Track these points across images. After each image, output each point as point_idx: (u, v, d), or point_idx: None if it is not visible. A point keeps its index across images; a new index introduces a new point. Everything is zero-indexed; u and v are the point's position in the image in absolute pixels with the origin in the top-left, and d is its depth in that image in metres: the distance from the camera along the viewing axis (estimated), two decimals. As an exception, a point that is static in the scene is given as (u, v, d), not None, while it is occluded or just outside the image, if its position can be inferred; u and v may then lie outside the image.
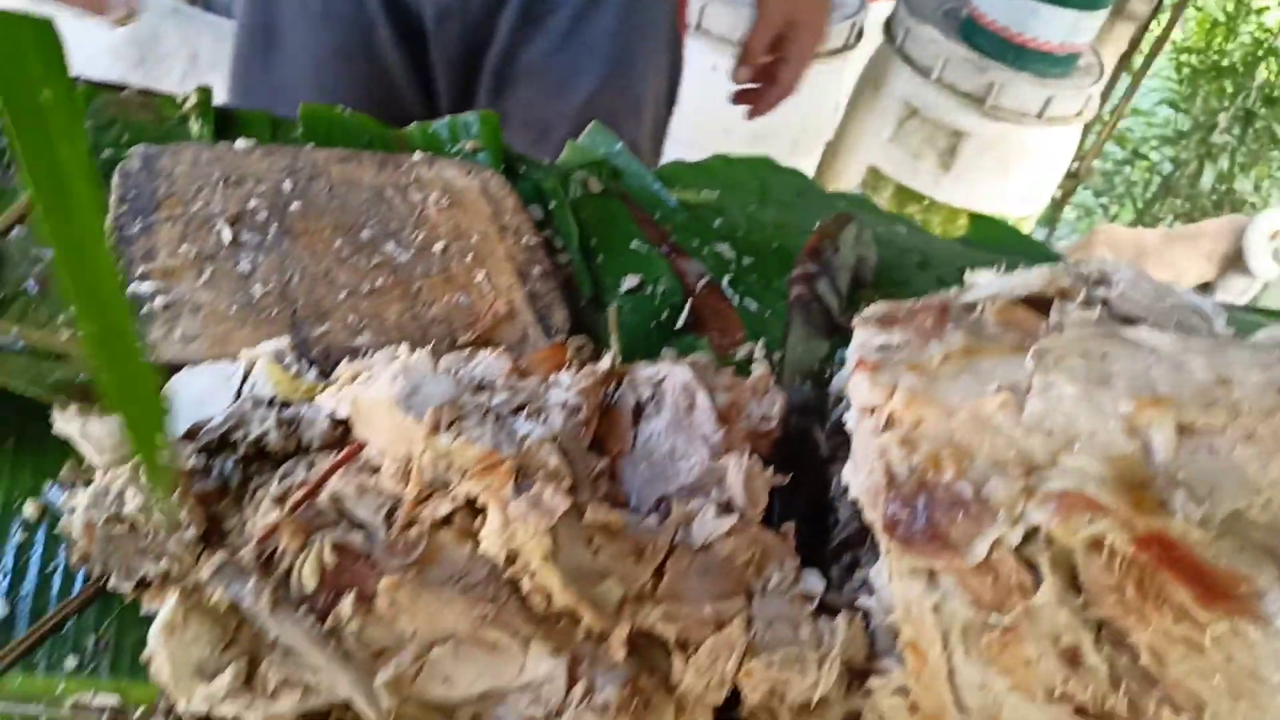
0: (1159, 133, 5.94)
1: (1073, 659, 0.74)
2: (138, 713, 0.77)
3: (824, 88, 3.64)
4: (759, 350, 1.33)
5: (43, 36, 0.66)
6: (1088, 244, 4.04)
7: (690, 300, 1.38)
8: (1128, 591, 0.73)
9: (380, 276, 1.20)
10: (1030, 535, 0.77)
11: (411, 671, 0.72)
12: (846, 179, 4.03)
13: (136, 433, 0.61)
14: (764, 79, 2.12)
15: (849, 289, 1.46)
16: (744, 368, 1.31)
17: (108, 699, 0.78)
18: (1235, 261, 4.03)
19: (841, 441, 1.01)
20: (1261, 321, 1.75)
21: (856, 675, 0.83)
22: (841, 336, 1.30)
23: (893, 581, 0.80)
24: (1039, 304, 0.98)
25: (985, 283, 1.02)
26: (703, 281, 1.45)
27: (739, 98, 2.17)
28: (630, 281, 1.38)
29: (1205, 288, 4.15)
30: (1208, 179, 5.68)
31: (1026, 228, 4.08)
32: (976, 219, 1.97)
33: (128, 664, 0.81)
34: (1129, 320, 0.96)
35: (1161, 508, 0.75)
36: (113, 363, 0.60)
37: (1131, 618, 0.73)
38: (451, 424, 0.83)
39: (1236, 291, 4.15)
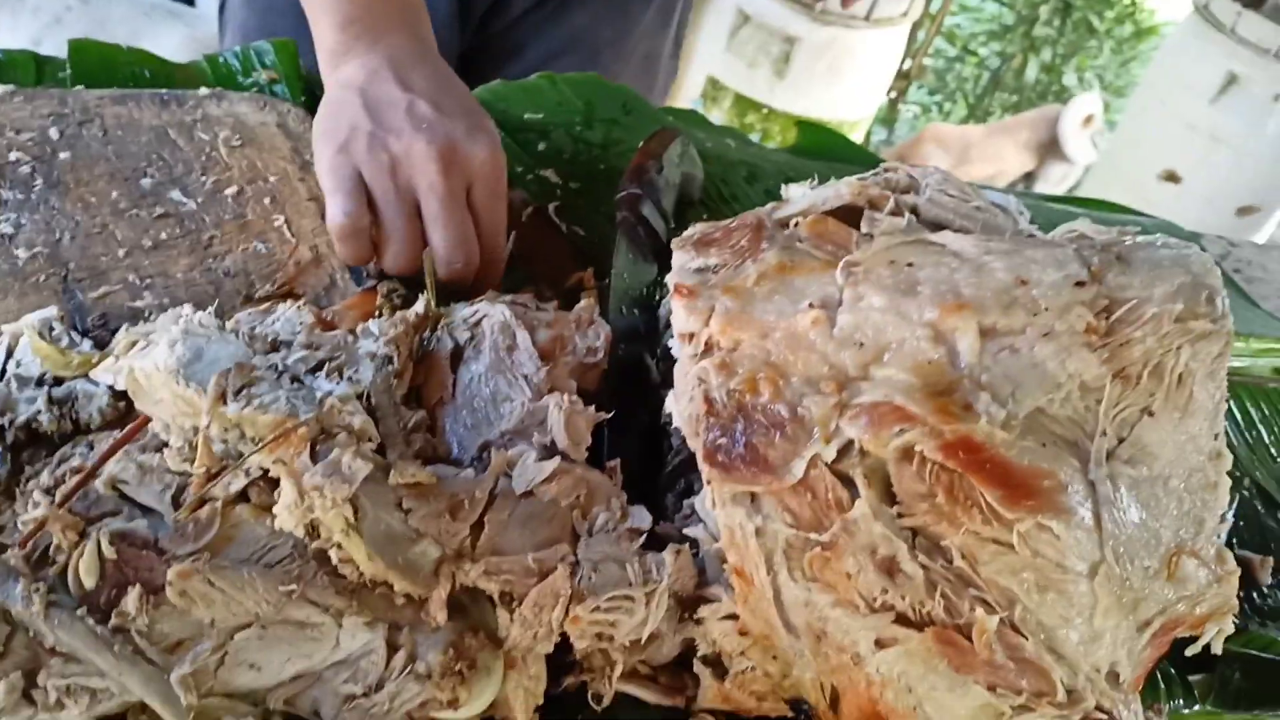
0: (986, 28, 6.09)
1: (890, 569, 0.74)
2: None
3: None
4: (588, 279, 1.29)
5: None
6: (917, 142, 4.12)
7: (513, 233, 1.33)
8: (938, 498, 0.74)
9: (165, 228, 1.10)
10: (845, 450, 0.77)
11: (213, 663, 0.67)
12: (687, 90, 4.00)
13: None
14: None
15: (675, 208, 1.43)
16: (573, 298, 1.27)
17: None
18: (1053, 149, 4.19)
19: (673, 366, 0.99)
20: (1073, 211, 1.82)
21: (688, 605, 0.82)
22: (669, 258, 1.27)
23: (716, 509, 0.79)
24: (850, 215, 0.97)
25: (798, 196, 1.00)
26: (527, 212, 1.40)
27: None
28: (449, 219, 1.32)
29: (1029, 178, 4.31)
30: (1032, 71, 5.88)
31: (862, 130, 4.15)
32: (804, 126, 1.97)
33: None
34: (937, 225, 0.97)
35: (967, 411, 0.76)
36: None
37: (943, 523, 0.74)
38: (241, 390, 0.77)
39: (1056, 179, 4.32)
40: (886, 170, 1.01)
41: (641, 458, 0.98)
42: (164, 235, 1.09)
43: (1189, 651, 0.85)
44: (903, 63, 4.25)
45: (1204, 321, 0.79)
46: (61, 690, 0.65)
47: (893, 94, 4.71)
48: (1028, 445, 0.76)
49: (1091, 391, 0.79)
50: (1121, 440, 0.79)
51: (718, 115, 3.66)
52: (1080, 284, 0.81)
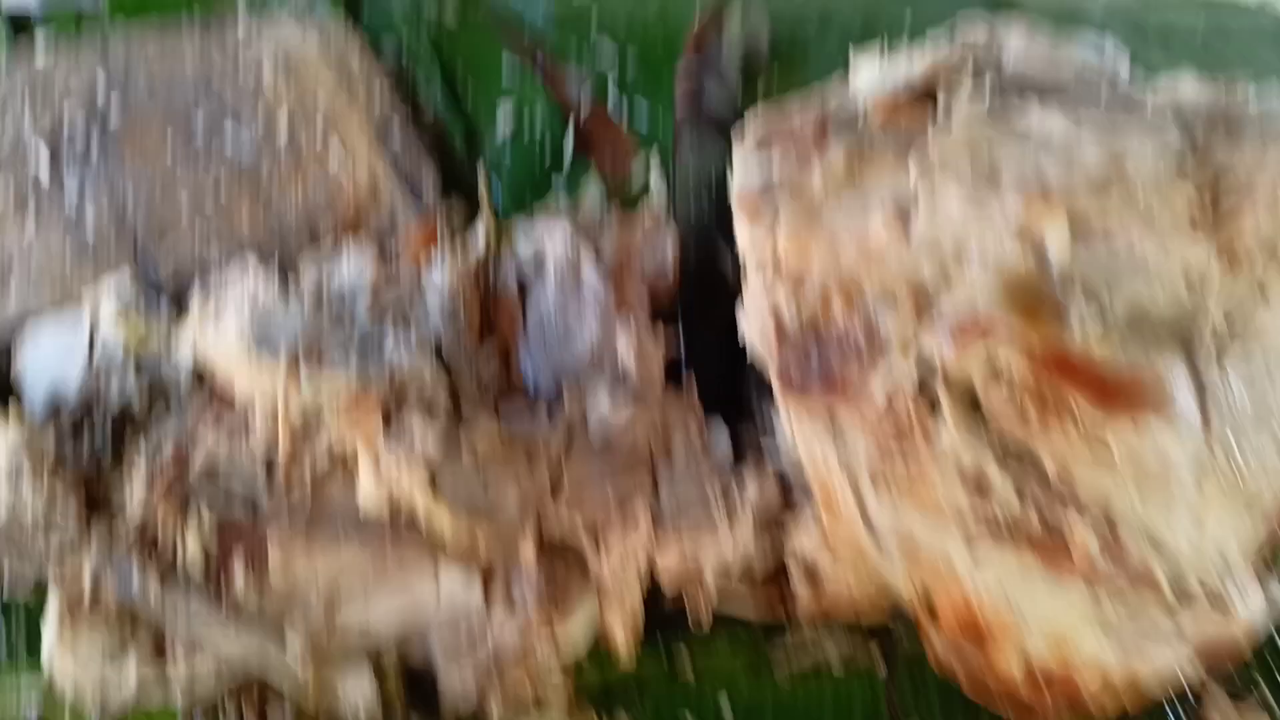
0: None
1: (979, 484, 0.72)
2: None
3: None
4: (654, 165, 1.24)
5: None
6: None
7: (573, 125, 1.28)
8: (1028, 411, 0.71)
9: (223, 168, 1.09)
10: (928, 369, 0.74)
11: (323, 622, 0.70)
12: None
13: None
14: None
15: (743, 74, 1.35)
16: (639, 195, 1.23)
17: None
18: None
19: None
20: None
21: (775, 526, 0.82)
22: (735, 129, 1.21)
23: (794, 434, 0.78)
24: (925, 95, 0.90)
25: (866, 76, 0.93)
26: (583, 91, 1.33)
27: None
28: (505, 126, 1.27)
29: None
30: None
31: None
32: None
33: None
34: (1022, 86, 0.89)
35: (1057, 318, 0.71)
36: None
37: (1036, 437, 0.71)
38: (312, 356, 0.78)
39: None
40: (963, 34, 0.93)
41: (721, 354, 0.96)
42: (223, 174, 1.08)
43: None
44: None
45: (1323, 193, 0.72)
46: (190, 663, 0.69)
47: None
48: (1127, 344, 0.71)
49: (1197, 277, 0.73)
50: (1232, 324, 0.73)
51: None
52: (1183, 165, 0.73)
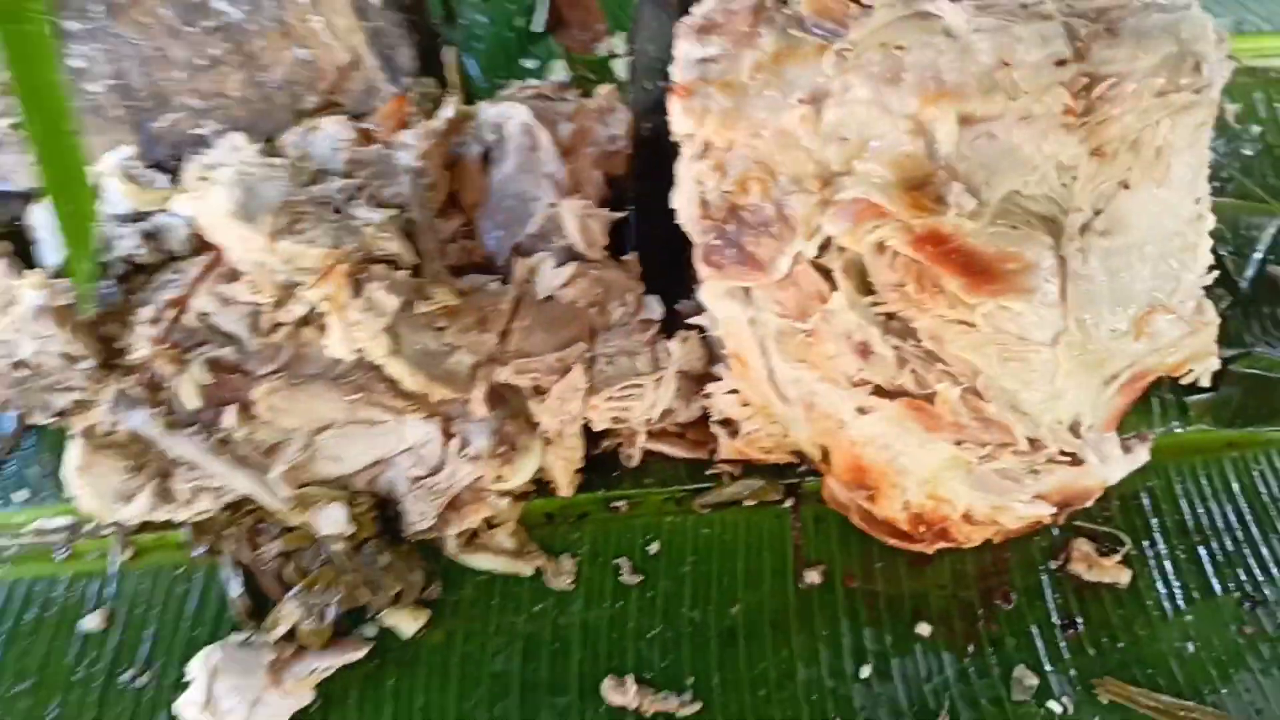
0: None
1: (865, 350, 0.84)
2: (89, 526, 0.91)
3: None
4: (622, 46, 1.31)
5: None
6: None
7: (547, 5, 1.34)
8: (908, 286, 0.81)
9: (216, 43, 1.17)
10: (826, 245, 0.84)
11: (303, 459, 0.84)
12: None
13: (71, 226, 0.73)
14: None
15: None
16: (605, 66, 1.31)
17: (63, 520, 0.92)
18: None
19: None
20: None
21: (700, 380, 0.94)
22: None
23: (713, 302, 0.89)
24: (855, -20, 0.96)
25: (803, -35, 0.99)
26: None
27: None
28: (480, 5, 1.34)
29: None
30: None
31: None
32: None
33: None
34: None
35: (939, 203, 0.81)
36: (53, 160, 0.72)
37: (913, 309, 0.82)
38: (290, 225, 0.88)
39: None
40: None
41: (670, 231, 1.06)
42: (216, 51, 1.16)
43: (1183, 381, 0.93)
44: None
45: (1186, 94, 0.80)
46: (191, 490, 0.83)
47: None
48: (999, 229, 0.81)
49: (1068, 170, 0.82)
50: (1098, 213, 0.83)
51: None
52: (1062, 63, 0.81)
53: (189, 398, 0.82)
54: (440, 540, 0.92)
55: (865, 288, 0.84)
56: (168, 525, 0.92)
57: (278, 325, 0.86)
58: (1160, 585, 1.00)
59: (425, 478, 0.87)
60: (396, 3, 1.24)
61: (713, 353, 0.95)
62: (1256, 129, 1.31)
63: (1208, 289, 0.89)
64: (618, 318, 0.90)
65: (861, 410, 0.86)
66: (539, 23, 1.31)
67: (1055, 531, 1.03)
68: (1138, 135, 0.81)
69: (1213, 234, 0.88)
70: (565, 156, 1.01)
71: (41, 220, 1.01)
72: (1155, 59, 0.80)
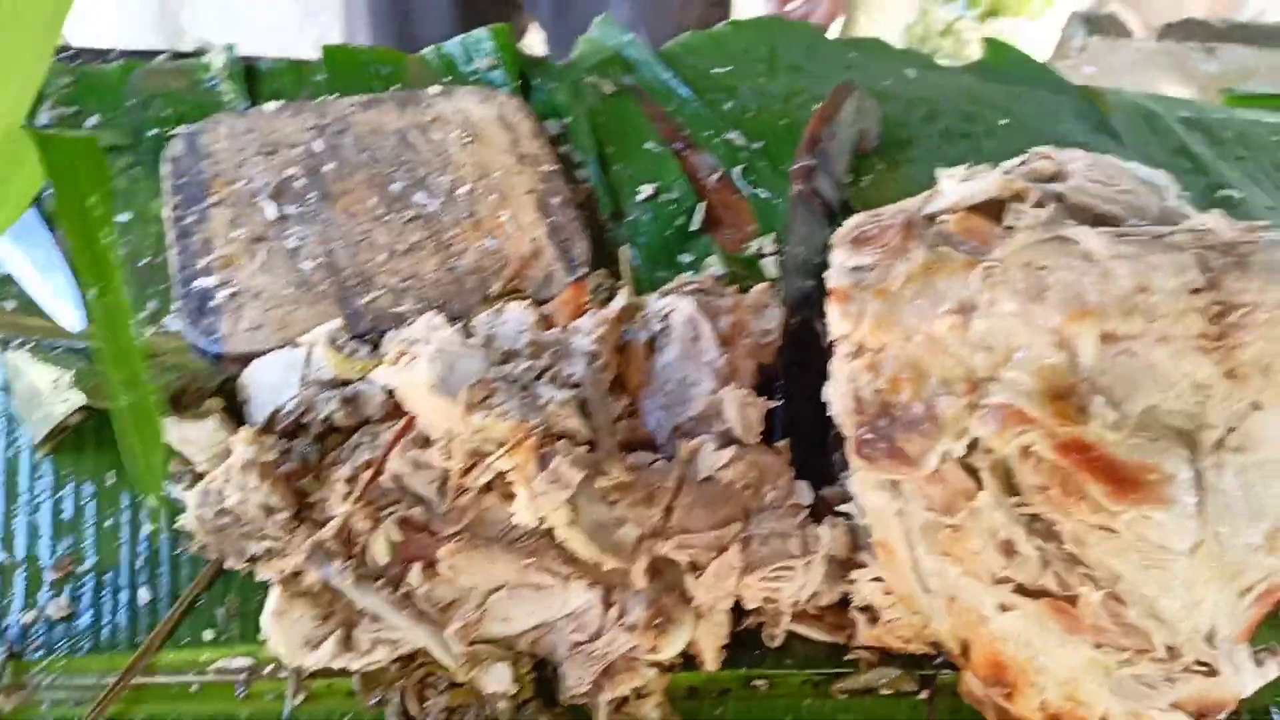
0: None
1: (1009, 549, 0.89)
2: (269, 669, 1.00)
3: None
4: (769, 245, 1.44)
5: (87, 153, 0.83)
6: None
7: (703, 201, 1.49)
8: (1052, 490, 0.87)
9: (414, 231, 1.33)
10: (974, 446, 0.91)
11: (475, 618, 0.91)
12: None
13: (141, 459, 0.83)
14: None
15: (852, 163, 1.54)
16: (754, 264, 1.43)
17: (244, 661, 1.00)
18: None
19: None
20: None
21: (845, 566, 1.00)
22: (842, 218, 1.39)
23: (862, 493, 0.95)
24: (997, 207, 1.06)
25: (949, 189, 1.10)
26: (715, 177, 1.54)
27: None
28: (646, 191, 1.49)
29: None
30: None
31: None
32: (990, 44, 1.97)
33: (254, 628, 1.00)
34: (1082, 211, 1.04)
35: (1082, 413, 0.87)
36: (129, 396, 0.83)
37: (1057, 512, 0.87)
38: (484, 399, 0.99)
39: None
40: (1034, 159, 1.09)
41: (815, 419, 1.14)
42: (414, 238, 1.32)
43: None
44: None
45: (1315, 324, 0.86)
46: (372, 640, 0.91)
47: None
48: (1138, 441, 0.87)
49: (1204, 388, 0.88)
50: (1231, 430, 0.88)
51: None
52: (1196, 291, 0.89)
53: (381, 553, 0.91)
54: (592, 706, 0.98)
55: (1011, 489, 0.90)
56: (340, 673, 0.99)
57: (464, 490, 0.95)
58: (1299, 807, 0.99)
59: (585, 643, 0.94)
60: (573, 201, 1.39)
61: (857, 540, 1.00)
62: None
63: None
64: (770, 500, 0.97)
65: (1003, 607, 0.90)
66: (696, 222, 1.44)
67: (1192, 744, 1.03)
68: (1269, 360, 0.87)
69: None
70: (723, 346, 1.11)
71: (252, 382, 1.14)
72: (1286, 292, 0.87)
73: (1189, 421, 0.88)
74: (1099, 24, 3.72)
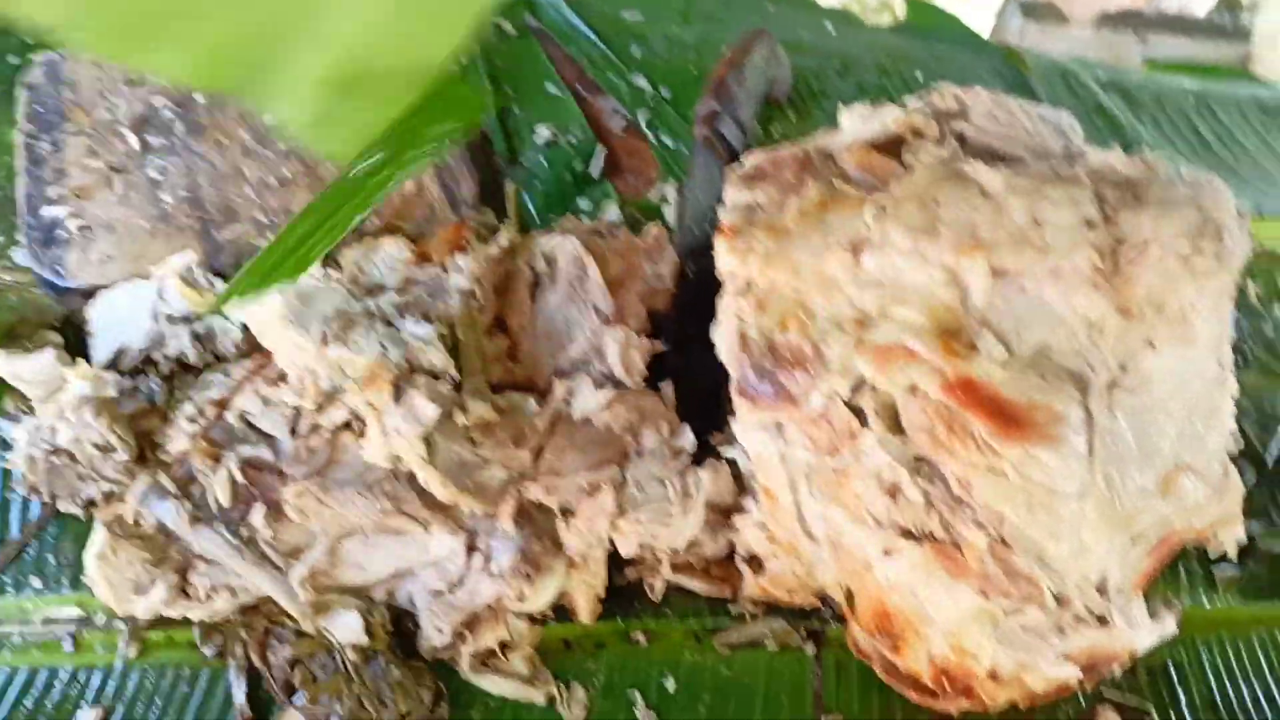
0: None
1: (893, 492, 0.84)
2: (100, 620, 0.91)
3: None
4: (671, 193, 1.38)
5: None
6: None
7: (604, 146, 1.42)
8: (939, 430, 0.83)
9: (288, 165, 1.24)
10: (860, 385, 0.86)
11: (325, 564, 0.84)
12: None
13: None
14: None
15: (761, 111, 1.48)
16: (656, 211, 1.36)
17: (73, 611, 0.92)
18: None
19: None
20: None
21: (727, 513, 0.95)
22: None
23: (746, 436, 0.90)
24: (898, 144, 1.02)
25: (849, 125, 1.05)
26: (619, 123, 1.47)
27: None
28: (544, 134, 1.42)
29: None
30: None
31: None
32: (913, 4, 1.94)
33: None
34: (982, 151, 1.01)
35: (971, 350, 0.83)
36: None
37: (943, 452, 0.83)
38: (342, 332, 0.91)
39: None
40: (934, 96, 1.05)
41: (710, 367, 1.09)
42: (287, 172, 1.23)
43: (1210, 553, 0.93)
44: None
45: (1208, 259, 0.83)
46: (209, 587, 0.83)
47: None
48: (1028, 379, 0.83)
49: (1096, 326, 0.84)
50: (1124, 370, 0.84)
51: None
52: (1091, 225, 0.85)
53: (221, 493, 0.84)
54: (454, 660, 0.91)
55: (897, 430, 0.85)
56: (179, 624, 0.91)
57: (317, 428, 0.88)
58: (1190, 763, 0.97)
59: (445, 592, 0.87)
60: (462, 141, 1.31)
61: (742, 488, 0.95)
62: (1279, 309, 1.34)
63: (1236, 463, 0.90)
64: (651, 445, 0.91)
65: (888, 552, 0.86)
66: (596, 168, 1.37)
67: (1082, 701, 1.00)
68: (1163, 297, 0.84)
69: (1238, 409, 0.90)
70: (612, 289, 1.05)
71: (97, 316, 1.05)
72: (1179, 227, 0.84)
73: (1080, 361, 0.84)
74: (1036, 10, 3.73)
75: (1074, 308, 0.84)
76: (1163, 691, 1.01)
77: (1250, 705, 1.00)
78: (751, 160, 1.06)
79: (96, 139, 1.23)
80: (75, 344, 1.04)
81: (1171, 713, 1.00)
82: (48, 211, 1.14)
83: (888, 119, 1.03)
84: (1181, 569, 1.09)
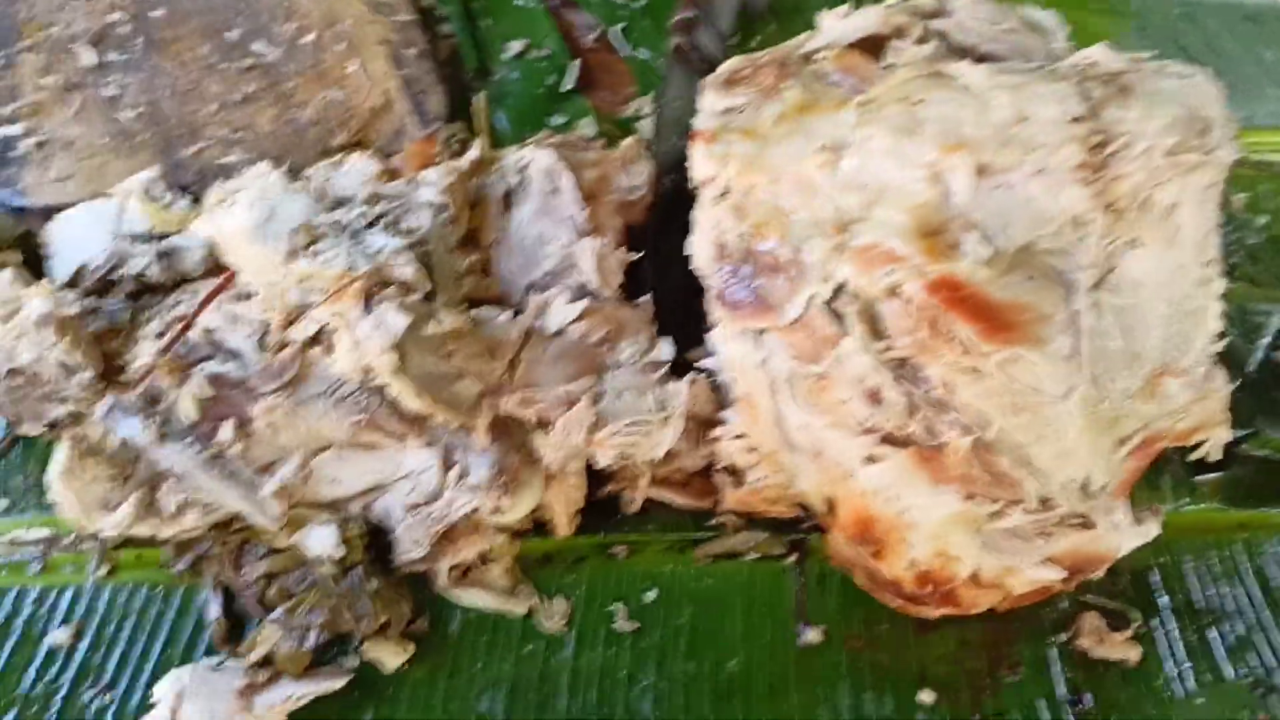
0: None
1: (875, 397, 0.83)
2: (68, 539, 0.90)
3: None
4: (648, 106, 1.34)
5: None
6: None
7: (578, 59, 1.38)
8: (921, 333, 0.81)
9: (251, 81, 1.20)
10: (839, 291, 0.84)
11: (298, 480, 0.82)
12: None
13: None
14: None
15: (739, 23, 1.44)
16: (631, 126, 1.33)
17: (40, 531, 0.90)
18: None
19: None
20: None
21: (707, 425, 0.93)
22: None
23: (725, 344, 0.88)
24: (879, 44, 0.98)
25: (828, 27, 1.02)
26: (592, 35, 1.43)
27: None
28: (515, 47, 1.37)
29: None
30: None
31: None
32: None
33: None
34: (964, 51, 0.97)
35: (954, 250, 0.81)
36: None
37: (925, 355, 0.81)
38: (309, 245, 0.89)
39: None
40: (916, -7, 1.01)
41: (687, 280, 1.06)
42: (251, 88, 1.19)
43: (1191, 458, 0.92)
44: None
45: (1195, 155, 0.81)
46: (179, 503, 0.82)
47: None
48: (1013, 279, 0.81)
49: (1081, 225, 0.82)
50: (1110, 270, 0.83)
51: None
52: (1077, 120, 0.83)
53: (187, 410, 0.82)
54: (432, 573, 0.90)
55: (878, 334, 0.83)
56: (150, 543, 0.90)
57: (285, 344, 0.85)
58: (1170, 665, 0.97)
59: (421, 505, 0.86)
60: (431, 53, 1.27)
61: (721, 399, 0.94)
62: (1262, 220, 1.32)
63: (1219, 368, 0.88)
64: (627, 357, 0.90)
65: (870, 458, 0.85)
66: (569, 82, 1.33)
67: (1064, 605, 1.00)
68: (1149, 194, 0.82)
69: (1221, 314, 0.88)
70: (586, 202, 1.02)
71: (56, 235, 1.02)
72: (1165, 120, 0.82)
73: (1066, 260, 0.83)
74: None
75: (1060, 205, 0.81)
76: (1145, 596, 1.01)
77: (1233, 610, 1.01)
78: (729, 64, 1.02)
79: (51, 55, 1.19)
80: (34, 265, 1.01)
81: (1154, 617, 1.00)
82: (2, 130, 1.11)
83: (869, 18, 0.99)
84: (1166, 476, 1.08)
